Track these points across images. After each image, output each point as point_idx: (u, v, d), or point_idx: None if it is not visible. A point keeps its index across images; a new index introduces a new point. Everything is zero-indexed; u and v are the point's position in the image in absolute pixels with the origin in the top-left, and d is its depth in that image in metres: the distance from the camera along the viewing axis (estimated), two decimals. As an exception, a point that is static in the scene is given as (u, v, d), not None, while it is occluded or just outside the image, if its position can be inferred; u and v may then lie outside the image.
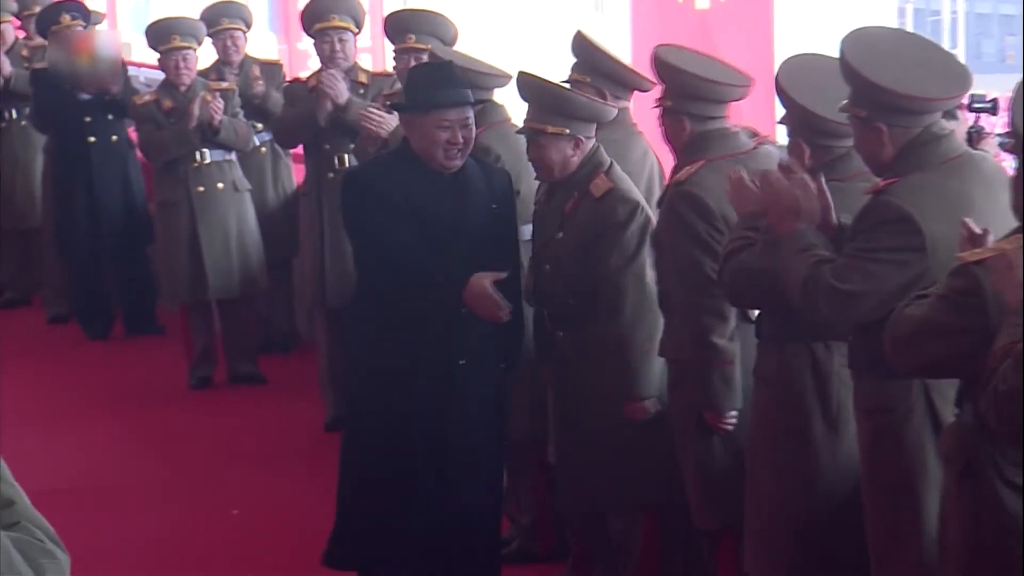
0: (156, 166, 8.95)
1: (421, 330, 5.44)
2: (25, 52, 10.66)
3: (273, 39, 13.83)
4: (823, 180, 4.49)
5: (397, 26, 7.48)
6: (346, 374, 7.83)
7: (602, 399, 5.52)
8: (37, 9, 10.48)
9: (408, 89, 5.57)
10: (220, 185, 8.81)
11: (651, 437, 5.43)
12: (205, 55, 9.17)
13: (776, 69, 4.85)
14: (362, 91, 8.02)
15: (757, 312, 4.99)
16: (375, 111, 7.14)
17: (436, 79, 5.45)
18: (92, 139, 9.76)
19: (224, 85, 8.88)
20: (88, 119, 9.74)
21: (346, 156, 7.92)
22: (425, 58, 6.96)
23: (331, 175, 7.97)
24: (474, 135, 5.45)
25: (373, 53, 11.69)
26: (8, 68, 10.46)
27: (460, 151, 5.39)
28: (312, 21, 8.12)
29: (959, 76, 4.39)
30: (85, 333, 10.25)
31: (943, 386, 4.16)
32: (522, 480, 6.28)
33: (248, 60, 9.34)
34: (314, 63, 8.57)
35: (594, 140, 5.55)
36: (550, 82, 5.69)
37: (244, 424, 8.47)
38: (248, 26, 9.35)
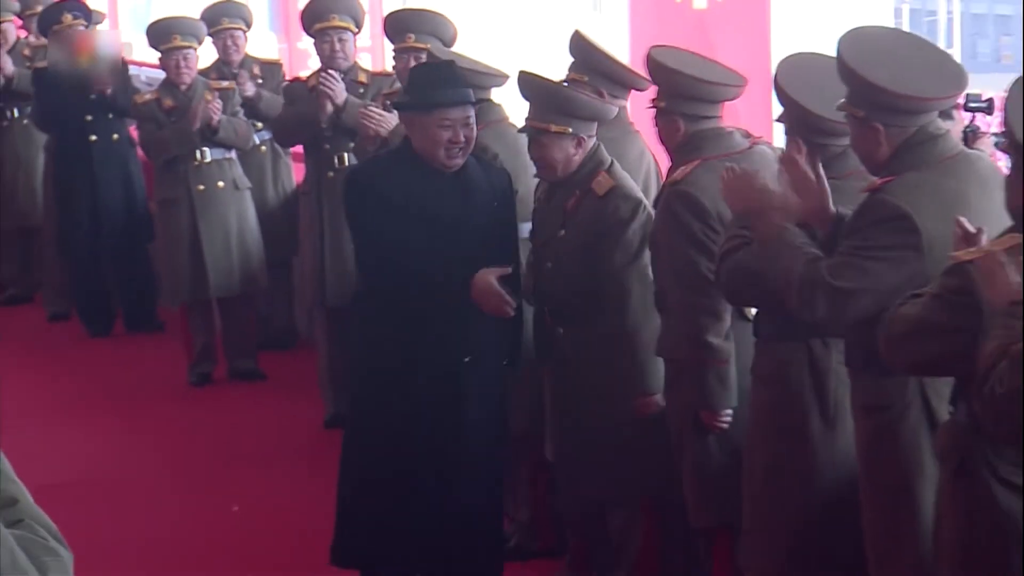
0: (157, 164, 8.96)
1: (426, 328, 5.44)
2: (27, 51, 10.67)
3: (273, 39, 13.84)
4: (820, 167, 4.50)
5: (397, 26, 7.50)
6: (346, 372, 7.85)
7: (604, 396, 5.53)
8: (39, 8, 10.49)
9: (410, 88, 5.57)
10: (220, 183, 8.82)
11: (652, 434, 5.44)
12: (205, 54, 9.19)
13: (773, 68, 4.85)
14: (362, 90, 8.03)
15: (754, 310, 5.01)
16: (375, 110, 7.16)
17: (438, 78, 5.45)
18: (93, 138, 9.78)
19: (225, 84, 8.89)
20: (89, 118, 9.76)
21: (346, 155, 7.94)
22: (424, 57, 6.99)
23: (331, 174, 8.00)
24: (475, 134, 5.46)
25: (373, 53, 11.72)
26: (10, 67, 10.47)
27: (461, 150, 5.40)
28: (312, 21, 8.13)
29: (955, 76, 4.40)
30: (86, 330, 10.27)
31: (939, 384, 4.17)
32: (520, 477, 6.29)
33: (248, 60, 9.36)
34: (314, 62, 8.59)
35: (595, 139, 5.57)
36: (552, 81, 5.71)
37: (244, 421, 8.48)
38: (248, 26, 9.36)
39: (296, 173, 9.16)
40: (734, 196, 4.70)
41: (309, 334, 9.09)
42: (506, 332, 5.59)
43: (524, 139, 6.33)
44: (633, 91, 6.24)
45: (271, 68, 9.49)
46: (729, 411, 5.16)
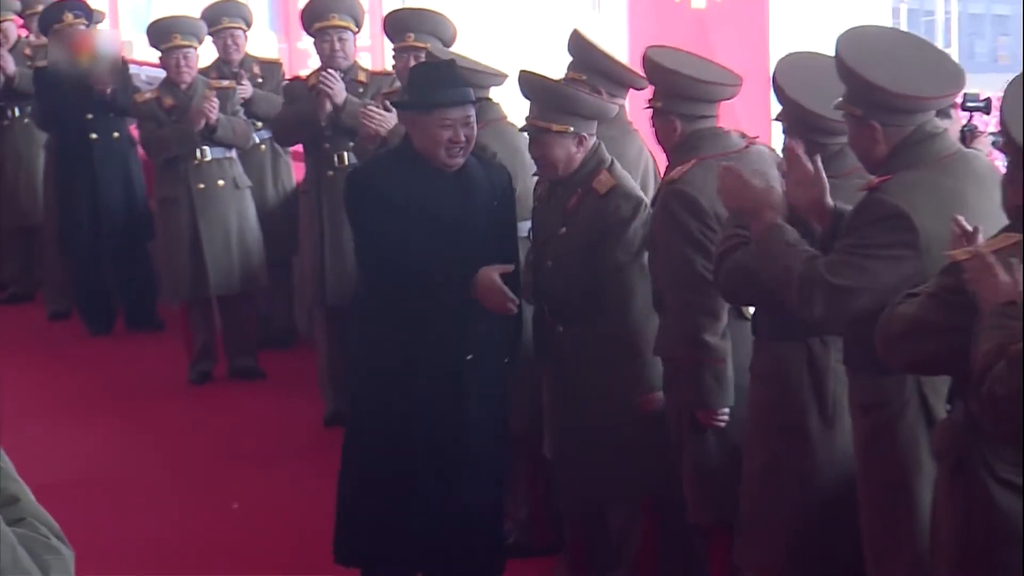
0: (157, 163, 8.97)
1: (427, 327, 5.43)
2: (28, 51, 10.68)
3: (273, 38, 13.86)
4: (819, 160, 4.52)
5: (396, 25, 7.51)
6: (345, 371, 7.86)
7: (604, 395, 5.54)
8: (40, 8, 10.48)
9: (410, 88, 5.57)
10: (221, 182, 8.82)
11: (652, 433, 5.45)
12: (206, 54, 9.20)
13: (771, 68, 4.86)
14: (361, 90, 8.04)
15: (752, 309, 5.01)
16: (374, 110, 7.18)
17: (438, 78, 5.45)
18: (94, 136, 9.79)
19: (225, 84, 8.90)
20: (90, 116, 9.76)
21: (345, 154, 7.95)
22: (423, 57, 7.00)
23: (331, 173, 8.01)
24: (475, 133, 5.46)
25: (372, 52, 11.73)
26: (12, 66, 10.49)
27: (462, 149, 5.40)
28: (312, 20, 8.15)
29: (953, 75, 4.41)
30: (87, 329, 10.28)
31: (937, 382, 4.18)
32: (518, 475, 6.29)
33: (248, 59, 9.37)
34: (314, 62, 8.60)
35: (596, 138, 5.58)
36: (554, 80, 5.72)
37: (244, 419, 8.49)
38: (248, 25, 9.37)
39: (296, 172, 9.17)
40: (729, 195, 4.71)
41: (309, 333, 9.10)
42: (506, 331, 5.60)
43: (522, 138, 6.35)
44: (632, 90, 6.26)
45: (271, 67, 9.50)
46: (726, 410, 5.17)
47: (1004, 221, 3.83)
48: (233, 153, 8.90)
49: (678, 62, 5.35)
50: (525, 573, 5.94)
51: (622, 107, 6.23)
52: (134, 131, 9.60)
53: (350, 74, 8.09)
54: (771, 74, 4.81)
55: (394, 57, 7.59)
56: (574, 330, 5.59)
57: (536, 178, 5.98)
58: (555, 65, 6.16)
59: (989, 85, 5.41)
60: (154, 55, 9.18)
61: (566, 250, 5.56)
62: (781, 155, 4.82)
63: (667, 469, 5.41)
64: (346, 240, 7.74)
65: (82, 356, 9.88)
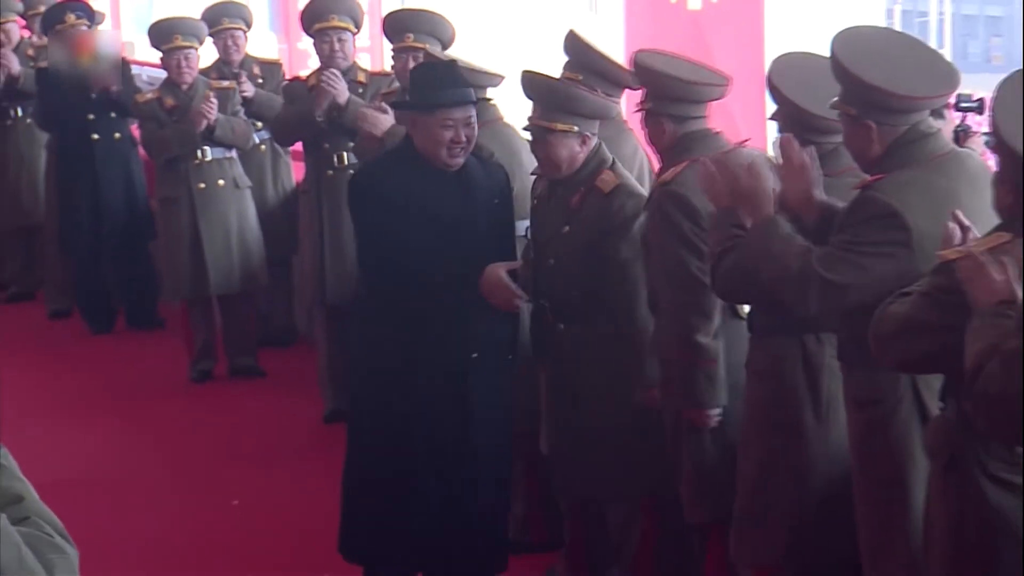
0: (158, 163, 8.99)
1: (432, 327, 5.42)
2: (31, 51, 10.68)
3: (273, 39, 13.86)
4: (814, 151, 4.56)
5: (396, 25, 7.53)
6: (345, 370, 7.88)
7: (604, 393, 5.54)
8: (42, 9, 10.49)
9: (412, 88, 5.56)
10: (221, 182, 8.85)
11: (651, 431, 5.44)
12: (206, 54, 9.22)
13: (767, 69, 4.90)
14: (360, 90, 8.06)
15: (747, 308, 5.04)
16: (370, 111, 7.23)
17: (439, 78, 5.45)
18: (95, 137, 9.81)
19: (225, 84, 8.93)
20: (92, 117, 9.78)
21: (345, 154, 7.98)
22: (422, 57, 7.03)
23: (330, 173, 8.04)
24: (476, 133, 5.46)
25: (371, 53, 11.75)
26: (16, 66, 10.50)
27: (463, 149, 5.40)
28: (312, 21, 8.17)
29: (947, 75, 4.43)
30: (88, 328, 10.29)
31: (931, 378, 4.21)
32: (516, 472, 6.24)
33: (248, 59, 9.39)
34: (314, 62, 8.60)
35: (597, 137, 5.59)
36: (557, 80, 5.74)
37: (244, 417, 8.50)
38: (248, 26, 9.40)
39: (296, 172, 9.18)
40: (716, 189, 4.74)
41: (309, 332, 9.12)
42: (507, 330, 5.60)
43: (519, 138, 6.39)
44: (627, 90, 6.28)
45: (271, 68, 9.52)
46: (717, 410, 5.19)
47: (996, 220, 3.86)
48: (233, 153, 8.91)
49: (667, 64, 5.37)
50: (523, 570, 5.93)
51: (617, 107, 6.26)
52: (135, 131, 9.62)
53: (349, 75, 8.10)
54: (766, 74, 4.85)
55: (393, 58, 7.61)
56: (575, 328, 5.59)
57: (534, 177, 6.00)
58: (552, 66, 6.17)
59: (982, 85, 5.45)
60: (155, 56, 9.19)
61: (569, 248, 5.56)
62: (774, 154, 4.85)
63: (667, 468, 5.41)
64: (346, 240, 7.80)
65: (83, 355, 9.89)
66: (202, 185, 8.84)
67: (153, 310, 10.25)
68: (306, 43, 10.48)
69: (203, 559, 6.60)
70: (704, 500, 5.26)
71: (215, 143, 8.81)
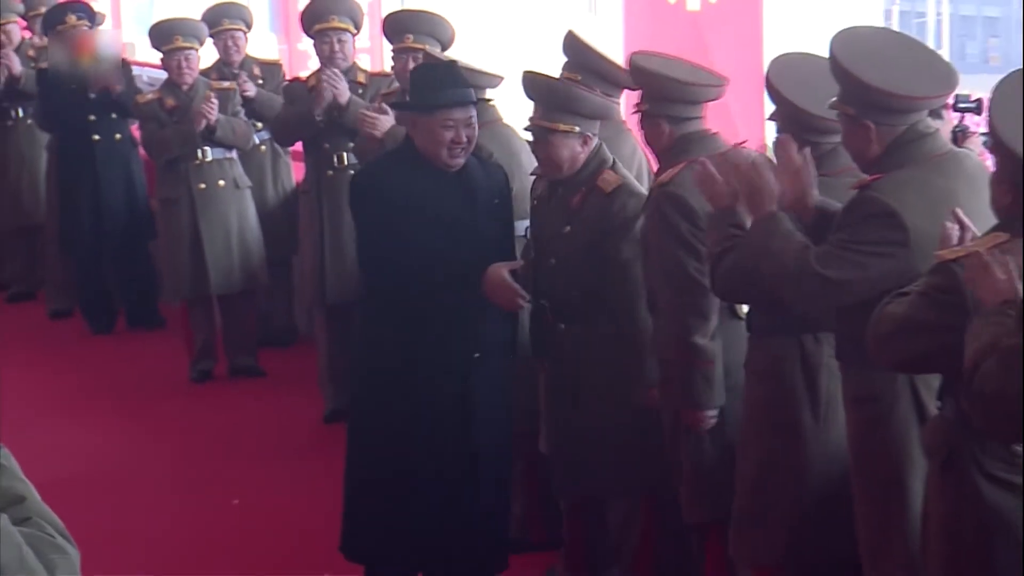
0: (159, 164, 9.00)
1: (434, 327, 5.43)
2: (32, 52, 10.68)
3: (274, 40, 13.88)
4: (809, 153, 4.57)
5: (395, 26, 7.55)
6: (345, 369, 7.90)
7: (606, 392, 5.54)
8: (43, 10, 10.48)
9: (412, 89, 5.57)
10: (221, 182, 8.85)
11: (653, 430, 5.44)
12: (207, 55, 9.23)
13: (765, 69, 4.91)
14: (360, 91, 8.07)
15: (746, 308, 5.05)
16: (370, 112, 7.25)
17: (440, 79, 5.47)
18: (96, 137, 9.81)
19: (225, 85, 8.94)
20: (93, 118, 9.79)
21: (345, 154, 7.99)
22: (421, 58, 7.04)
23: (330, 173, 8.05)
24: (476, 133, 5.47)
25: (371, 53, 11.78)
26: (18, 67, 10.50)
27: (464, 149, 5.41)
28: (312, 22, 8.19)
29: (945, 76, 4.45)
30: (89, 327, 10.29)
31: (929, 377, 4.21)
32: (515, 471, 6.25)
33: (248, 60, 9.40)
34: (314, 63, 8.62)
35: (598, 137, 5.60)
36: (560, 80, 5.75)
37: (244, 417, 8.51)
38: (249, 27, 9.42)
39: (296, 172, 9.19)
40: (713, 190, 4.76)
41: (309, 331, 9.13)
42: (507, 329, 5.61)
43: (518, 138, 6.41)
44: (626, 91, 6.29)
45: (271, 69, 9.53)
46: (714, 411, 5.20)
47: (994, 220, 3.87)
48: (234, 154, 8.92)
49: (663, 66, 5.38)
50: (522, 570, 5.93)
51: (618, 107, 6.28)
52: (136, 132, 9.62)
53: (349, 75, 8.11)
54: (765, 74, 4.86)
55: (393, 58, 7.62)
56: (575, 328, 5.59)
57: (533, 178, 6.02)
58: (551, 67, 6.17)
59: (980, 86, 5.47)
60: (156, 57, 9.20)
61: (570, 248, 5.57)
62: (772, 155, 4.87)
63: (666, 467, 5.41)
64: (346, 239, 7.82)
65: (83, 355, 9.89)
66: (202, 185, 8.84)
67: (154, 310, 10.25)
68: (306, 44, 10.52)
69: (203, 558, 6.60)
70: (703, 500, 5.26)
71: (215, 144, 8.81)
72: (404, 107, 5.79)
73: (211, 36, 9.20)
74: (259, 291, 9.25)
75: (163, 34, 8.94)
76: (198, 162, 8.84)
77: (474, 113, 5.46)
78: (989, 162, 4.54)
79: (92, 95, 9.76)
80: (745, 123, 7.40)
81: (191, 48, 8.89)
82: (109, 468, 7.75)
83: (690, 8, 8.29)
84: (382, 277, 5.53)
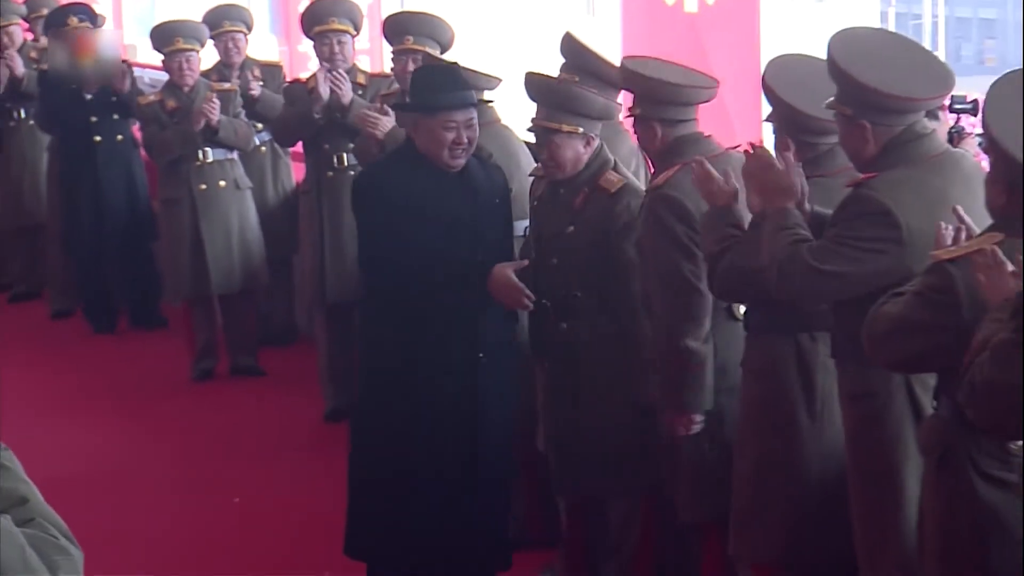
0: (160, 165, 9.02)
1: (434, 326, 5.44)
2: (34, 54, 10.69)
3: (274, 41, 13.88)
4: (800, 167, 4.59)
5: (395, 28, 7.55)
6: (346, 369, 7.97)
7: (608, 391, 5.55)
8: (45, 11, 10.51)
9: (413, 91, 5.59)
10: (222, 183, 8.87)
11: (654, 429, 5.43)
12: (207, 57, 9.24)
13: (762, 70, 4.92)
14: (360, 92, 8.07)
15: (743, 309, 5.06)
16: (370, 113, 7.27)
17: (441, 81, 5.49)
18: (98, 139, 9.83)
19: (226, 86, 8.95)
20: (94, 119, 9.81)
21: (345, 155, 8.01)
22: (421, 60, 7.06)
23: (330, 174, 8.07)
24: (477, 134, 5.50)
25: (371, 55, 11.80)
26: (21, 68, 10.52)
27: (464, 150, 5.44)
28: (312, 24, 8.20)
29: (942, 77, 4.47)
30: (90, 327, 10.30)
31: (923, 374, 4.23)
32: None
33: (249, 62, 9.41)
34: (314, 65, 8.61)
35: (599, 138, 5.62)
36: (563, 81, 5.77)
37: (245, 415, 8.53)
38: (249, 29, 9.42)
39: (296, 173, 9.20)
40: (712, 189, 4.78)
41: (309, 331, 9.13)
42: (510, 329, 5.63)
43: (517, 139, 6.42)
44: (623, 91, 6.32)
45: (272, 70, 9.54)
46: (700, 416, 5.20)
47: (989, 220, 3.90)
48: (235, 155, 8.94)
49: (654, 69, 5.38)
50: (520, 568, 5.93)
51: (618, 108, 6.30)
52: (137, 133, 9.63)
53: (349, 76, 8.09)
54: (761, 76, 4.88)
55: (392, 60, 7.62)
56: (577, 327, 5.59)
57: (531, 178, 6.04)
58: (550, 68, 6.18)
59: (975, 87, 5.48)
60: (157, 58, 9.23)
61: (573, 248, 5.57)
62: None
63: (667, 467, 5.42)
64: (345, 239, 7.84)
65: (85, 354, 9.90)
66: (203, 186, 8.86)
67: (155, 310, 10.26)
68: (306, 46, 10.52)
69: (204, 557, 6.61)
70: (701, 500, 5.26)
71: (217, 145, 8.83)
72: (406, 108, 5.80)
73: (212, 38, 9.20)
74: (260, 291, 9.26)
75: (164, 36, 8.96)
76: (199, 163, 8.85)
77: (474, 114, 5.49)
78: (984, 163, 4.56)
79: (88, 96, 9.78)
80: (743, 125, 7.43)
81: (192, 50, 8.91)
82: (110, 468, 7.76)
83: (688, 10, 8.32)
84: (382, 277, 5.54)
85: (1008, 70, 4.02)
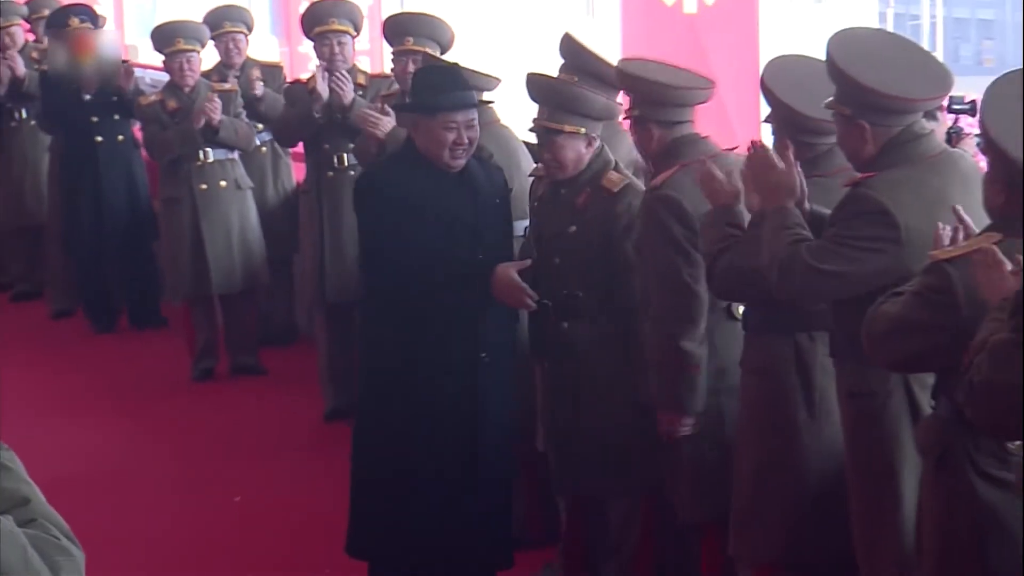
0: (161, 164, 9.04)
1: (434, 326, 5.44)
2: (35, 55, 10.70)
3: (274, 42, 13.88)
4: (799, 167, 4.60)
5: (395, 29, 7.56)
6: (346, 368, 7.98)
7: (609, 390, 5.55)
8: (46, 12, 10.52)
9: (414, 91, 5.60)
10: (223, 183, 8.89)
11: (654, 429, 5.40)
12: (208, 57, 9.26)
13: (761, 71, 4.92)
14: (360, 92, 8.09)
15: (742, 309, 5.07)
16: (371, 113, 7.29)
17: (442, 82, 5.50)
18: (99, 139, 9.85)
19: (227, 86, 8.97)
20: (95, 119, 9.83)
21: (345, 155, 8.03)
22: (421, 61, 7.06)
23: (331, 174, 8.08)
24: (477, 135, 5.50)
25: (371, 55, 11.81)
26: (22, 68, 10.54)
27: (465, 151, 5.44)
28: (312, 25, 8.22)
29: (940, 78, 4.48)
30: (91, 327, 10.32)
31: (922, 373, 4.24)
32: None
33: (249, 62, 9.42)
34: (314, 66, 8.68)
35: (600, 138, 5.62)
36: (566, 82, 5.77)
37: (245, 415, 8.54)
38: (249, 29, 9.45)
39: (296, 173, 9.22)
40: (715, 188, 4.79)
41: (309, 330, 9.15)
42: (511, 329, 5.63)
43: (516, 140, 6.43)
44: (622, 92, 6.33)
45: (272, 71, 9.55)
46: (692, 418, 5.20)
47: (987, 220, 3.92)
48: (235, 155, 8.95)
49: (650, 70, 5.39)
50: (520, 566, 5.92)
51: (619, 108, 6.31)
52: (138, 133, 9.64)
53: (350, 77, 8.10)
54: (760, 77, 4.88)
55: (393, 60, 7.64)
56: (579, 327, 5.59)
57: (531, 178, 6.05)
58: (550, 69, 6.19)
59: (974, 88, 5.50)
60: (158, 59, 9.24)
61: (575, 248, 5.57)
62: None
63: (667, 467, 5.42)
64: (346, 239, 7.86)
65: (86, 354, 9.91)
66: (204, 186, 8.88)
67: (156, 309, 10.27)
68: (307, 46, 10.52)
69: (204, 556, 6.62)
70: (701, 500, 5.27)
71: (217, 145, 8.84)
72: (407, 109, 5.82)
73: (212, 38, 9.22)
74: (260, 290, 9.28)
75: (165, 36, 8.97)
76: (200, 163, 8.86)
77: (475, 115, 5.49)
78: (983, 163, 4.57)
79: (89, 96, 9.79)
80: (742, 125, 7.45)
81: (193, 50, 8.92)
82: (111, 466, 7.77)
83: (687, 11, 8.33)
84: (383, 277, 5.54)
85: (1006, 71, 4.03)
